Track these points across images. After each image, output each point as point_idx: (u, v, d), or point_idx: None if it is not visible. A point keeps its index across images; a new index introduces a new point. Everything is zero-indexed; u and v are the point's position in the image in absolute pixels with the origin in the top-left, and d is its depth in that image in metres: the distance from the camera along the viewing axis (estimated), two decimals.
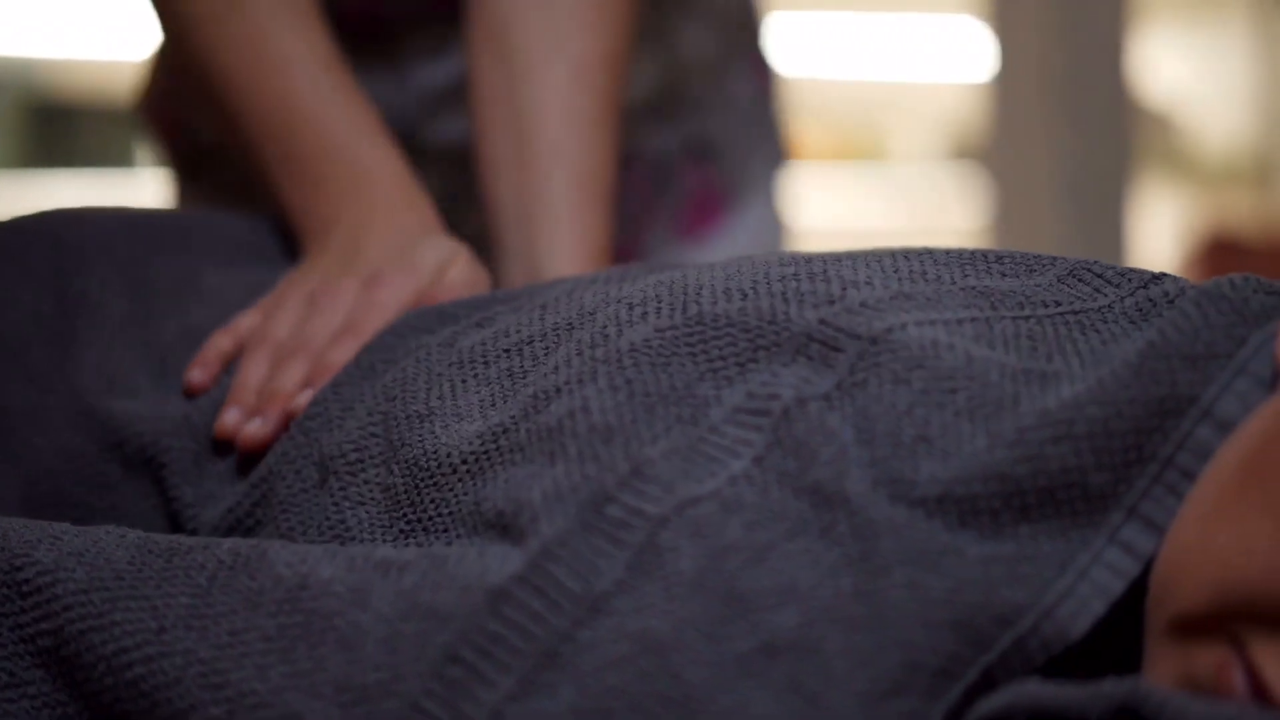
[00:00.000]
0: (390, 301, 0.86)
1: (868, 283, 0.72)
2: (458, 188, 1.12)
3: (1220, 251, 3.79)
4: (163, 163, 1.26)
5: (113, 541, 0.72)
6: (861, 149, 4.22)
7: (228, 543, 0.70)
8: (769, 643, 0.61)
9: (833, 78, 4.20)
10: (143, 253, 0.93)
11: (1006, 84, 3.00)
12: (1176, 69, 4.37)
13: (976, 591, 0.62)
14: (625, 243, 1.20)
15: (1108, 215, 2.95)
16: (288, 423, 0.81)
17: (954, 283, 0.73)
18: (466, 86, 1.04)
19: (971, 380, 0.66)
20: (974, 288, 0.72)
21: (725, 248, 1.25)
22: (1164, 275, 0.74)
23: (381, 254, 0.89)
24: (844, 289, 0.71)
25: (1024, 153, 2.97)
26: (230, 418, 0.82)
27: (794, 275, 0.72)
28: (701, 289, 0.73)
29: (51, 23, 3.38)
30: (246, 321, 0.88)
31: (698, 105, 1.22)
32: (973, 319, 0.69)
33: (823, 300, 0.70)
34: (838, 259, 0.75)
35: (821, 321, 0.69)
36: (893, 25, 4.20)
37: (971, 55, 3.60)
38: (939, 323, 0.69)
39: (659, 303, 0.73)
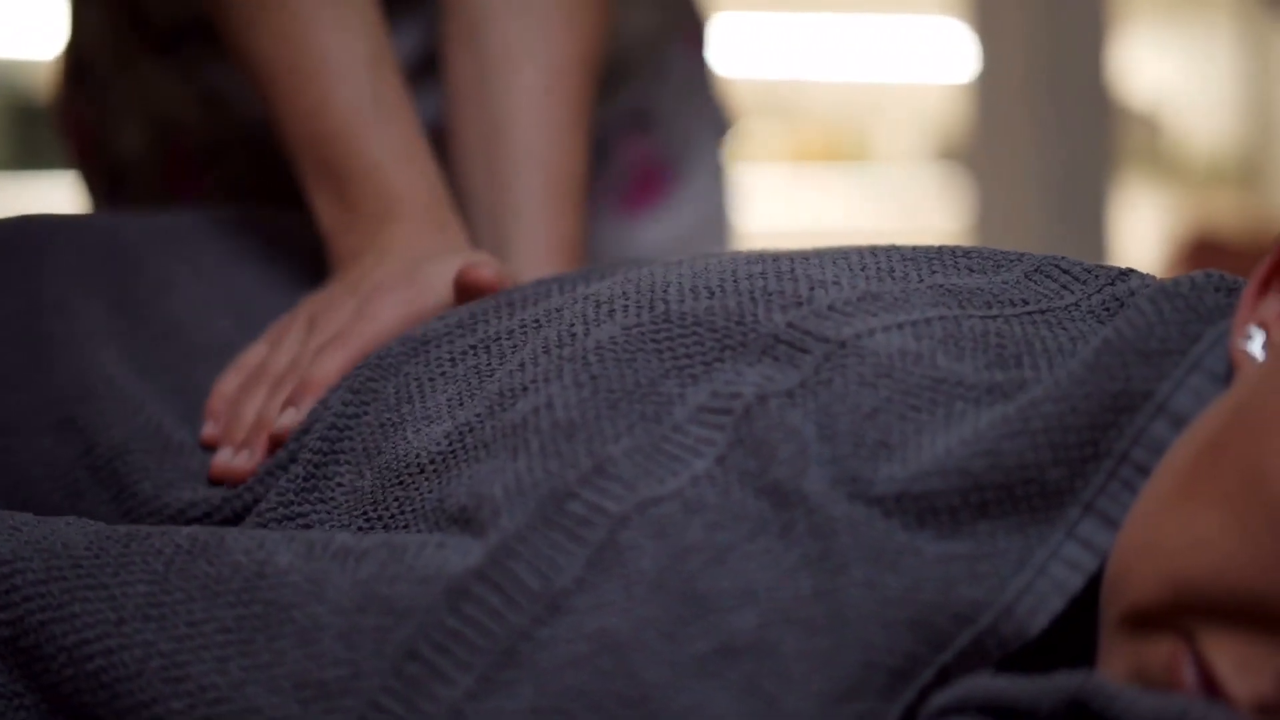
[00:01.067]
0: (383, 313, 0.84)
1: (835, 282, 0.72)
2: None
3: (1204, 253, 3.79)
4: (78, 176, 1.23)
5: (73, 531, 0.72)
6: (844, 150, 4.22)
7: (187, 529, 0.70)
8: (728, 644, 0.61)
9: (815, 79, 4.20)
10: (125, 259, 0.93)
11: (988, 85, 3.01)
12: (1161, 70, 4.38)
13: (934, 590, 0.62)
14: None
15: (1090, 216, 2.95)
16: (274, 447, 0.81)
17: (921, 280, 0.73)
18: (436, 68, 1.03)
19: (936, 403, 0.66)
20: (941, 285, 0.72)
21: (670, 223, 1.24)
22: (1130, 271, 0.75)
23: (388, 273, 0.88)
24: (811, 289, 0.71)
25: (1006, 154, 2.98)
26: (222, 457, 0.81)
27: (761, 274, 0.72)
28: (669, 287, 0.73)
29: (35, 24, 3.38)
30: (252, 355, 0.87)
31: (634, 75, 1.21)
32: (941, 317, 0.69)
33: (790, 302, 0.70)
34: (805, 257, 0.75)
35: (789, 325, 0.69)
36: (875, 26, 4.20)
37: (953, 56, 3.60)
38: (907, 325, 0.68)
39: (626, 300, 0.73)
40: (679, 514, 0.63)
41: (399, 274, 0.87)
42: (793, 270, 0.73)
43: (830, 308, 0.69)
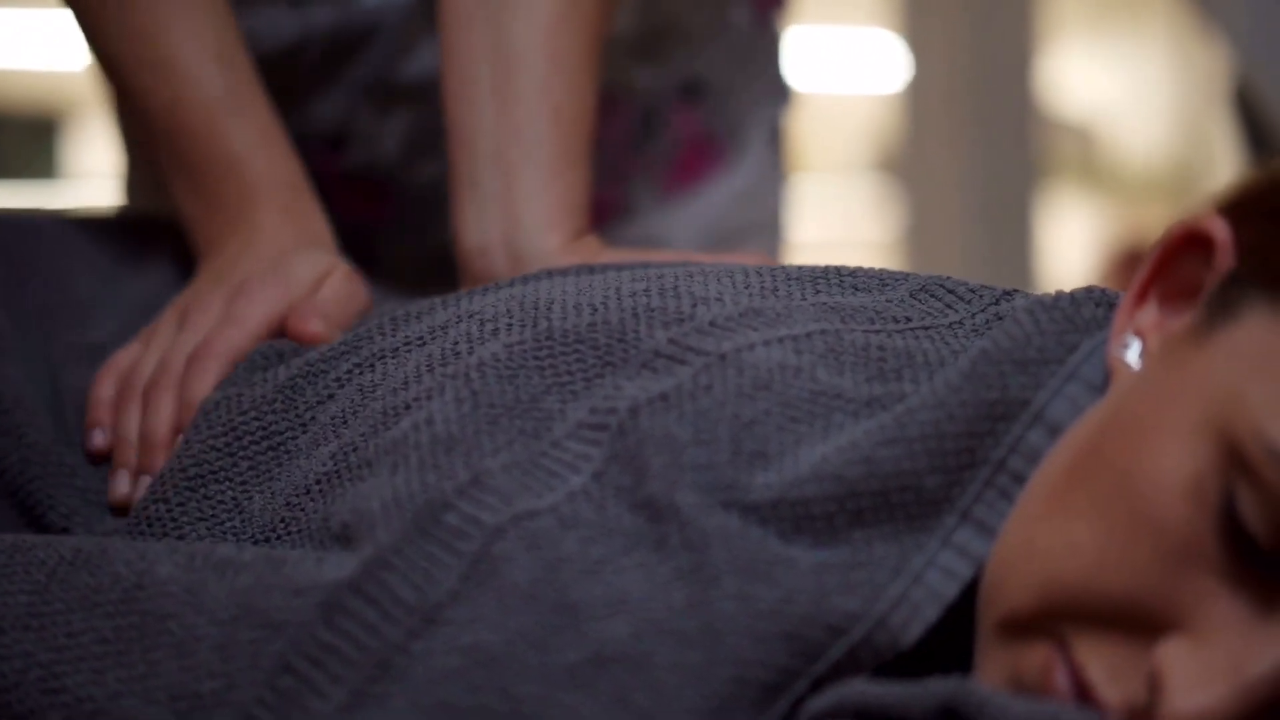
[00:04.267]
0: (253, 313, 0.85)
1: (718, 299, 0.72)
2: (426, 128, 1.07)
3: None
4: (114, 121, 1.21)
5: None
6: None
7: (72, 540, 0.70)
8: (599, 653, 0.62)
9: None
10: (21, 258, 0.92)
11: (919, 96, 3.02)
12: (1093, 81, 4.41)
13: (808, 601, 0.63)
14: (605, 196, 1.15)
15: (1020, 227, 2.97)
16: None
17: (804, 299, 0.73)
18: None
19: (815, 415, 0.66)
20: (825, 303, 0.72)
21: (718, 200, 1.20)
22: (1015, 291, 0.75)
23: (253, 267, 0.88)
24: (694, 305, 0.71)
25: (936, 164, 2.99)
26: (121, 486, 0.81)
27: (645, 291, 0.73)
28: (553, 304, 0.73)
29: None
30: (125, 357, 0.86)
31: (689, 40, 1.14)
32: (822, 332, 0.69)
33: (673, 318, 0.70)
34: (690, 274, 0.75)
35: (671, 340, 0.69)
36: (805, 37, 4.22)
37: (884, 67, 3.62)
38: (787, 340, 0.68)
39: (510, 318, 0.73)
40: (554, 528, 0.63)
41: (266, 268, 0.87)
42: (676, 287, 0.73)
43: (712, 323, 0.69)
